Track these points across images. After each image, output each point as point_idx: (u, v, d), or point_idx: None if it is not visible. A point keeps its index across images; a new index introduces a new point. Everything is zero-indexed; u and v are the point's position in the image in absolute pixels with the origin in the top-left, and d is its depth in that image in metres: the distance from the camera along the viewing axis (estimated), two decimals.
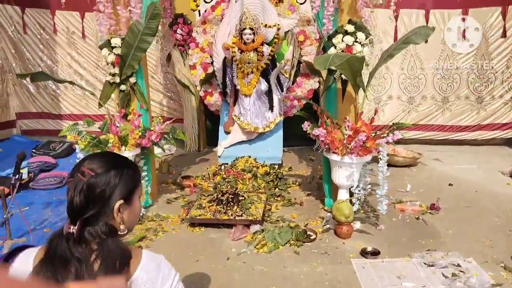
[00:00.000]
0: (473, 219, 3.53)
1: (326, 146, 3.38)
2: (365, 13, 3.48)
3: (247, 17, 4.56)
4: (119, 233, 1.16)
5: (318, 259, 2.92)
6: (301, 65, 5.19)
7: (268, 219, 3.51)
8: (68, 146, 5.42)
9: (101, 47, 3.62)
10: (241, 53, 4.63)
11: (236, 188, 3.82)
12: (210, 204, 3.52)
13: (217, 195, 3.59)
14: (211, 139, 5.46)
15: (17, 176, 3.07)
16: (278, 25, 4.52)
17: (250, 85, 4.66)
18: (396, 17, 5.48)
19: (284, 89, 4.92)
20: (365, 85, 3.43)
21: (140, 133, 3.48)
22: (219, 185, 4.07)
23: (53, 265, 1.07)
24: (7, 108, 6.12)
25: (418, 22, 5.47)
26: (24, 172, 4.63)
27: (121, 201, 1.16)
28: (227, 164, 4.67)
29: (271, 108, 4.72)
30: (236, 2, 4.83)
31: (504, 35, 5.41)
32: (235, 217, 3.35)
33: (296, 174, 4.70)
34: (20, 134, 6.28)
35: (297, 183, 4.38)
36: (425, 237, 3.23)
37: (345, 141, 3.29)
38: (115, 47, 3.53)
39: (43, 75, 3.51)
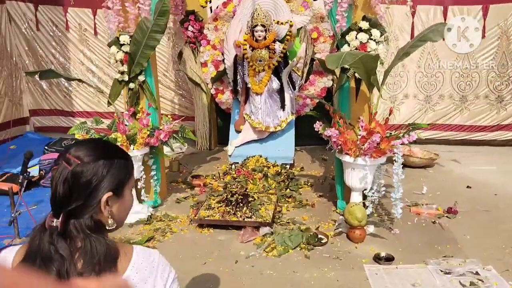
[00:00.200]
0: (492, 224, 3.39)
1: (339, 147, 3.28)
2: (380, 10, 3.36)
3: (258, 14, 4.47)
4: (107, 227, 1.07)
5: (329, 264, 2.82)
6: (314, 62, 5.08)
7: (279, 221, 3.42)
8: None
9: (109, 45, 3.58)
10: (252, 50, 4.55)
11: (246, 189, 3.74)
12: (219, 205, 3.45)
13: (226, 196, 3.52)
14: (223, 138, 5.39)
15: (25, 175, 3.04)
16: (291, 22, 4.42)
17: (262, 83, 4.57)
18: (413, 14, 5.32)
19: (296, 87, 4.82)
20: (380, 84, 3.30)
21: (148, 132, 3.42)
22: (229, 185, 3.99)
23: (34, 263, 0.99)
24: (21, 105, 6.15)
25: (435, 18, 5.29)
26: (35, 169, 4.64)
27: (110, 193, 1.06)
28: (237, 163, 4.60)
29: (282, 106, 4.62)
30: None
31: None
32: (244, 219, 3.27)
33: (308, 174, 4.60)
34: (33, 131, 6.32)
35: (309, 184, 4.28)
36: (442, 243, 3.10)
37: (358, 142, 3.18)
38: (123, 44, 3.48)
39: (51, 72, 3.48)
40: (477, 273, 2.65)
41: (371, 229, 3.22)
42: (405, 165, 4.58)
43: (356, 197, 3.34)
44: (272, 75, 4.59)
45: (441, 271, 2.69)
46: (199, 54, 5.30)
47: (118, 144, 3.38)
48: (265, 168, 4.28)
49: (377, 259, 2.85)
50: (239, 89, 4.83)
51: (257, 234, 3.16)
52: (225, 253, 2.99)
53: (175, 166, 4.78)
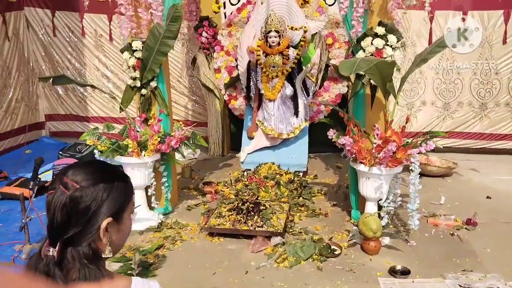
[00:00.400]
0: None
1: (353, 156, 3.19)
2: (397, 15, 3.27)
3: (272, 20, 4.42)
4: (103, 256, 1.02)
5: (343, 277, 2.73)
6: (329, 68, 5.00)
7: (291, 230, 3.35)
8: (94, 149, 5.44)
9: (122, 51, 3.57)
10: (266, 56, 4.50)
11: (258, 197, 3.67)
12: (230, 213, 3.39)
13: (237, 204, 3.46)
14: (235, 144, 5.34)
15: (36, 181, 3.03)
16: (305, 27, 4.36)
17: (275, 90, 4.51)
18: (431, 19, 5.20)
19: (310, 94, 4.74)
20: (397, 91, 3.21)
21: (160, 139, 3.39)
22: (240, 192, 3.93)
23: None
24: (37, 110, 6.21)
25: (455, 24, 5.16)
26: (49, 174, 4.67)
27: (110, 219, 1.01)
28: (249, 170, 4.54)
29: (296, 113, 4.55)
30: (262, 4, 4.70)
31: None
32: (255, 228, 3.21)
33: (321, 183, 4.50)
34: (49, 136, 6.37)
35: (322, 192, 4.19)
36: (461, 256, 2.98)
37: (373, 151, 3.09)
38: (136, 50, 3.46)
39: (64, 78, 3.49)
40: None
41: (386, 240, 3.11)
42: (422, 174, 4.49)
43: (371, 207, 3.24)
44: (285, 81, 4.53)
45: (460, 286, 2.58)
46: (213, 60, 5.28)
47: (129, 150, 3.36)
48: (278, 176, 4.21)
49: (393, 272, 2.75)
50: (252, 95, 4.78)
51: (268, 244, 3.09)
52: (235, 263, 2.93)
53: (187, 173, 4.75)
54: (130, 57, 3.51)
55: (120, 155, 3.38)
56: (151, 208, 3.60)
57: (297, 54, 4.46)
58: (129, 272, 2.70)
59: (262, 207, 3.42)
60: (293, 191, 4.04)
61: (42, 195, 4.25)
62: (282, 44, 4.46)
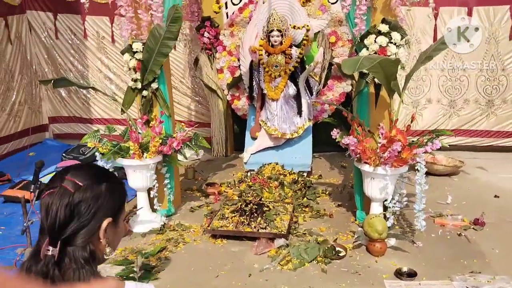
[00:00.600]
0: None
1: (357, 156, 3.14)
2: (401, 12, 3.21)
3: (274, 19, 4.37)
4: (104, 256, 1.03)
5: (348, 279, 2.68)
6: (332, 67, 4.95)
7: (295, 232, 3.30)
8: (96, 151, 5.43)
9: (122, 52, 3.54)
10: (268, 56, 4.45)
11: (261, 198, 3.63)
12: (233, 215, 3.35)
13: (240, 205, 3.41)
14: (239, 144, 5.31)
15: (36, 184, 3.01)
16: (307, 26, 4.30)
17: (278, 89, 4.47)
18: (435, 16, 5.12)
19: (314, 93, 4.69)
20: (401, 89, 3.15)
21: (161, 140, 3.36)
22: (244, 193, 3.89)
23: None
24: (40, 112, 6.21)
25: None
26: (51, 177, 4.65)
27: (110, 219, 1.01)
28: (253, 171, 4.50)
29: (299, 113, 4.50)
30: (263, 3, 4.66)
31: None
32: (258, 230, 3.16)
33: (326, 183, 4.45)
34: (53, 138, 6.37)
35: (327, 193, 4.13)
36: (468, 257, 2.92)
37: (378, 151, 3.03)
38: (136, 52, 3.43)
39: (65, 81, 3.47)
40: None
41: (392, 242, 3.06)
42: (428, 173, 4.41)
43: (376, 208, 3.19)
44: (288, 81, 4.48)
45: None
46: (215, 60, 5.24)
47: (131, 152, 3.33)
48: (281, 176, 4.16)
49: (399, 274, 2.70)
50: (255, 95, 4.73)
51: (272, 246, 3.05)
52: (238, 265, 2.89)
53: (191, 174, 4.72)
54: (130, 59, 3.49)
55: (122, 157, 3.35)
56: (154, 210, 3.57)
57: (300, 53, 4.41)
58: (131, 275, 2.67)
59: (265, 209, 3.38)
60: (297, 191, 3.99)
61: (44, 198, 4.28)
62: (284, 43, 4.41)
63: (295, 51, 4.41)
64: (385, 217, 3.09)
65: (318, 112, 5.00)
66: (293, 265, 2.81)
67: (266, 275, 2.75)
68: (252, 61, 4.59)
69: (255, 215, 3.30)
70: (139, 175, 3.38)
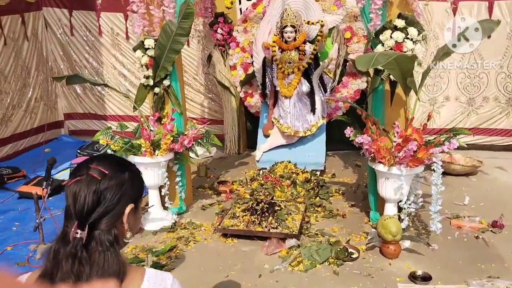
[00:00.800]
0: None
1: (371, 155, 3.06)
2: (418, 6, 3.11)
3: (288, 14, 4.31)
4: (125, 240, 1.10)
5: (360, 282, 2.62)
6: (347, 63, 4.86)
7: (306, 232, 3.25)
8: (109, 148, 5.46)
9: (135, 49, 3.53)
10: (281, 52, 4.39)
11: (273, 197, 3.59)
12: (244, 214, 3.31)
13: (252, 204, 3.38)
14: (252, 142, 5.26)
15: (49, 181, 3.02)
16: (322, 21, 4.22)
17: (291, 86, 4.40)
18: (454, 10, 4.98)
19: (328, 90, 4.61)
20: (418, 87, 3.06)
21: (172, 138, 3.34)
22: (255, 192, 3.86)
23: (54, 278, 0.98)
24: (56, 109, 6.27)
25: (480, 15, 4.92)
26: (66, 173, 4.69)
27: (132, 205, 1.09)
28: (265, 169, 4.45)
29: (313, 110, 4.42)
30: None
31: None
32: (269, 230, 3.12)
33: (340, 182, 4.38)
34: (68, 134, 6.43)
35: (340, 192, 4.06)
36: (486, 261, 2.83)
37: (393, 150, 2.95)
38: (148, 48, 3.41)
39: (78, 78, 3.48)
40: None
41: (406, 244, 2.98)
42: (445, 173, 4.27)
43: (390, 209, 3.11)
44: (302, 78, 4.41)
45: None
46: (228, 57, 5.20)
47: (142, 150, 3.32)
48: (294, 175, 4.11)
49: (413, 278, 2.62)
50: (267, 92, 4.68)
51: (283, 246, 3.00)
52: (248, 265, 2.85)
53: (203, 171, 4.70)
54: (142, 56, 3.47)
55: (133, 154, 3.34)
56: (165, 208, 3.56)
57: (314, 49, 4.33)
58: None
59: (277, 208, 3.33)
60: (309, 190, 3.93)
61: (59, 194, 4.31)
62: (298, 40, 4.34)
63: (309, 47, 4.34)
64: (399, 218, 3.01)
65: (332, 109, 4.92)
66: (304, 266, 2.76)
67: (277, 276, 2.71)
68: (265, 57, 4.53)
69: (267, 214, 3.26)
70: (150, 172, 3.37)
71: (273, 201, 3.45)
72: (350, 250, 2.92)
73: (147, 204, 3.53)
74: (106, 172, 1.05)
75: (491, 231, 3.22)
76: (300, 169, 4.24)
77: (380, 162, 3.01)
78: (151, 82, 3.52)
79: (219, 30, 5.12)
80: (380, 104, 3.27)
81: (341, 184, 4.30)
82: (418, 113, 5.14)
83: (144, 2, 3.39)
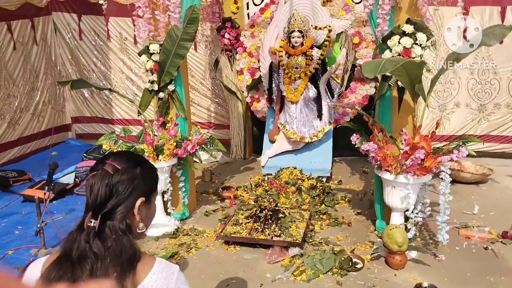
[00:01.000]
0: None
1: (378, 163, 2.99)
2: (428, 11, 3.04)
3: (296, 19, 4.27)
4: (138, 231, 1.16)
5: None
6: (355, 69, 4.80)
7: (310, 240, 3.19)
8: None
9: (140, 54, 3.52)
10: (288, 57, 4.34)
11: (277, 204, 3.53)
12: (247, 221, 3.26)
13: (255, 211, 3.33)
14: (258, 147, 5.22)
15: (50, 186, 3.01)
16: (329, 26, 4.17)
17: (297, 92, 4.36)
18: (465, 15, 4.88)
19: (335, 95, 4.55)
20: (426, 93, 2.99)
21: (175, 143, 3.31)
22: (260, 198, 3.81)
23: (69, 261, 1.06)
24: (63, 112, 6.31)
25: (492, 20, 4.83)
26: (71, 176, 4.69)
27: (143, 199, 1.16)
28: (270, 175, 4.40)
29: (319, 116, 4.37)
30: (285, 3, 4.56)
31: None
32: (272, 237, 3.07)
33: (346, 189, 4.31)
34: (75, 138, 6.46)
35: (346, 199, 3.99)
36: (495, 273, 2.74)
37: (400, 158, 2.88)
38: (153, 53, 3.40)
39: (82, 82, 3.47)
40: None
41: (413, 254, 2.90)
42: (455, 181, 4.21)
43: (397, 218, 3.03)
44: (309, 83, 4.36)
45: None
46: (235, 61, 5.18)
47: (146, 155, 3.30)
48: (299, 181, 4.05)
49: None
50: (274, 97, 4.64)
51: (286, 254, 2.95)
52: (250, 274, 2.80)
53: (208, 176, 4.66)
54: (147, 60, 3.46)
55: None
56: (168, 214, 3.53)
57: (321, 55, 4.28)
58: None
59: (281, 215, 3.28)
60: (315, 197, 3.87)
61: (63, 198, 4.31)
62: (305, 45, 4.30)
63: (316, 53, 4.29)
64: (406, 228, 2.93)
65: (340, 115, 4.86)
66: (307, 276, 2.70)
67: (278, 286, 2.65)
68: (271, 62, 4.50)
69: (270, 221, 3.21)
70: None
71: (277, 208, 3.40)
72: (354, 260, 2.86)
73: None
74: (119, 167, 1.13)
75: (501, 242, 3.13)
76: (306, 176, 4.18)
77: (386, 170, 2.94)
78: (155, 87, 3.50)
79: (226, 35, 5.11)
80: (388, 111, 3.21)
81: (347, 191, 4.23)
82: (427, 119, 5.05)
83: (150, 7, 3.38)
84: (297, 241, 3.01)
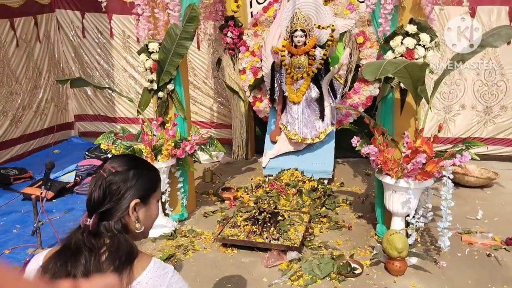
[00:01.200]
0: None
1: (378, 167, 2.93)
2: (433, 11, 2.97)
3: (298, 18, 4.21)
4: (135, 231, 1.19)
5: None
6: (359, 69, 4.73)
7: (309, 244, 3.13)
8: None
9: (139, 52, 3.49)
10: (291, 57, 4.29)
11: (276, 206, 3.48)
12: (246, 223, 3.22)
13: (254, 213, 3.28)
14: (260, 147, 5.17)
15: (47, 186, 2.99)
16: (333, 26, 4.10)
17: (299, 92, 4.30)
18: (472, 15, 4.79)
19: (338, 96, 4.48)
20: (430, 95, 2.92)
21: (173, 144, 3.27)
22: (260, 200, 3.76)
23: (66, 255, 1.10)
24: (66, 110, 6.30)
25: (499, 20, 4.73)
26: (72, 175, 4.68)
27: (137, 200, 1.18)
28: (271, 176, 4.35)
29: (321, 117, 4.31)
30: (288, 1, 4.50)
31: None
32: (270, 241, 3.02)
33: (348, 191, 4.25)
34: (78, 136, 6.45)
35: (347, 202, 3.93)
36: (497, 281, 2.67)
37: (401, 162, 2.81)
38: (152, 52, 3.36)
39: (81, 81, 3.44)
40: None
41: (413, 260, 2.84)
42: (459, 184, 4.13)
43: (397, 223, 2.97)
44: (311, 83, 4.30)
45: None
46: (238, 61, 5.13)
47: (144, 155, 3.26)
48: (300, 183, 4.00)
49: None
50: (276, 97, 4.58)
51: (284, 258, 2.90)
52: (246, 278, 2.76)
53: (208, 176, 4.63)
54: (147, 59, 3.42)
55: None
56: (166, 215, 3.49)
57: (324, 54, 4.22)
58: None
59: (280, 218, 3.23)
60: (315, 200, 3.82)
61: (63, 196, 4.29)
62: (308, 44, 4.24)
63: (319, 52, 4.23)
64: (406, 233, 2.87)
65: (343, 116, 4.79)
66: (304, 281, 2.65)
67: None
68: (274, 62, 4.44)
69: (268, 224, 3.16)
70: None
71: (276, 210, 3.35)
72: (353, 265, 2.80)
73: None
74: (113, 170, 1.18)
75: (505, 249, 3.05)
76: (307, 177, 4.13)
77: (387, 174, 2.88)
78: (155, 86, 3.46)
79: (229, 34, 5.06)
80: (390, 113, 3.14)
81: (349, 193, 4.17)
82: (432, 121, 4.97)
83: (149, 5, 3.34)
84: (295, 245, 2.96)
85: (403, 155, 2.86)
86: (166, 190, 3.38)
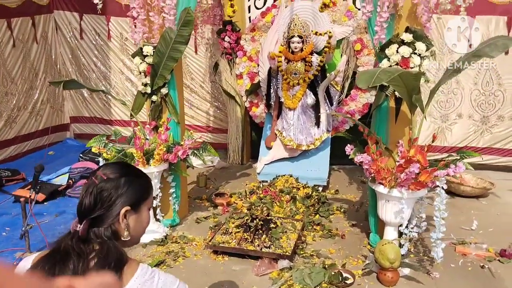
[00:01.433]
0: None
1: (371, 176, 2.90)
2: (430, 20, 2.95)
3: (296, 24, 4.20)
4: (122, 239, 1.19)
5: None
6: (356, 76, 4.71)
7: (301, 252, 3.09)
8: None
9: (133, 56, 3.46)
10: (287, 62, 4.27)
11: (269, 213, 3.45)
12: (237, 230, 3.18)
13: (246, 220, 3.24)
14: (256, 152, 5.13)
15: (36, 189, 2.95)
16: (330, 32, 4.09)
17: (295, 98, 4.28)
18: (470, 24, 4.78)
19: (334, 103, 4.46)
20: (425, 104, 2.90)
21: (165, 149, 3.24)
22: (253, 206, 3.72)
23: (54, 259, 1.10)
24: (62, 112, 6.26)
25: (497, 30, 4.72)
26: (64, 178, 4.64)
27: (128, 207, 1.19)
28: (266, 182, 4.32)
29: (317, 123, 4.28)
30: (286, 7, 4.49)
31: None
32: (261, 249, 2.98)
33: (342, 199, 4.21)
34: (73, 138, 6.41)
35: (341, 210, 3.90)
36: None
37: (394, 171, 2.79)
38: (147, 55, 3.34)
39: (74, 83, 3.41)
40: None
41: (406, 271, 2.80)
42: (454, 194, 4.10)
43: (390, 233, 2.94)
44: (307, 90, 4.28)
45: None
46: (235, 65, 5.11)
47: (135, 159, 3.23)
48: (294, 190, 3.96)
49: None
50: (272, 103, 4.56)
51: (275, 267, 2.86)
52: (236, 286, 2.71)
53: (202, 181, 4.59)
54: (141, 62, 3.40)
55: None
56: (157, 220, 3.45)
57: (321, 61, 4.21)
58: None
59: (272, 225, 3.19)
60: (309, 207, 3.78)
61: (55, 199, 4.25)
62: (305, 50, 4.23)
63: (315, 59, 4.21)
64: (399, 243, 2.83)
65: (339, 123, 4.77)
66: None
67: None
68: (270, 67, 4.42)
69: (260, 231, 3.12)
70: None
71: (269, 217, 3.32)
72: (345, 274, 2.76)
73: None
74: (105, 177, 1.19)
75: (499, 260, 3.01)
76: (302, 184, 4.10)
77: (380, 183, 2.85)
78: (148, 90, 3.44)
79: (227, 38, 5.04)
80: (384, 121, 3.11)
81: (343, 201, 4.14)
82: (429, 130, 4.94)
83: (145, 8, 3.32)
84: (287, 253, 2.93)
85: (397, 164, 2.83)
86: (157, 195, 3.34)
